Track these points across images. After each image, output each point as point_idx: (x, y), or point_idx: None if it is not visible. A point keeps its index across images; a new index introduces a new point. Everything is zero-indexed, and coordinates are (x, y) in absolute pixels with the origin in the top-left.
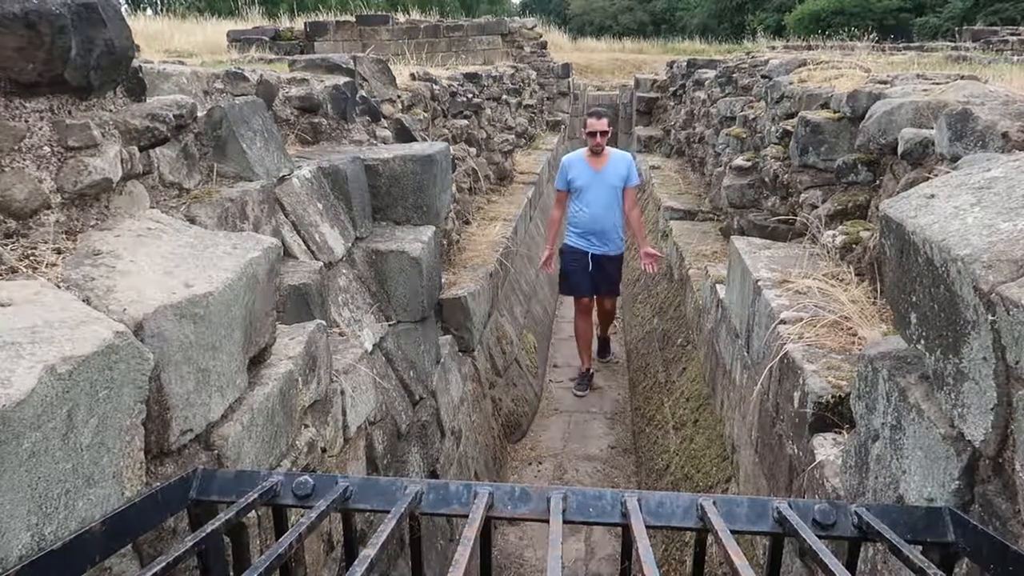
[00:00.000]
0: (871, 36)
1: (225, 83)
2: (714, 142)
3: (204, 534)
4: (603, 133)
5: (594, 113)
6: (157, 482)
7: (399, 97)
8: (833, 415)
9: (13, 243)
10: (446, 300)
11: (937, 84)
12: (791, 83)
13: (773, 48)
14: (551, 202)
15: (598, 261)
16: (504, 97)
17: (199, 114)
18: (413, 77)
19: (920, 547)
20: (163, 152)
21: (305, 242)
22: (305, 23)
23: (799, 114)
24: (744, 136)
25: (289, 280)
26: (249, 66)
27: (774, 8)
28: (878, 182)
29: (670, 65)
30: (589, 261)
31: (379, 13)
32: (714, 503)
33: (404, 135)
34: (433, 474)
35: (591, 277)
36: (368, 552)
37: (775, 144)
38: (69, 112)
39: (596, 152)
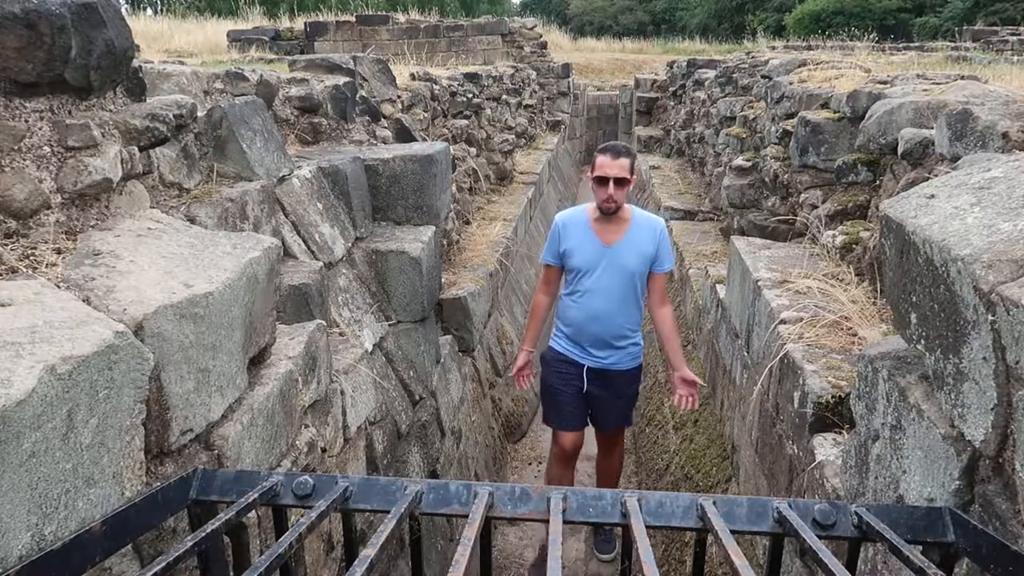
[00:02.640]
0: (871, 36)
1: (225, 83)
2: (714, 142)
3: (204, 534)
4: (621, 182)
5: (609, 149)
6: (157, 482)
7: (399, 97)
8: (833, 415)
9: (13, 243)
10: (446, 300)
11: (937, 84)
12: (791, 83)
13: (773, 48)
14: (551, 202)
15: (599, 378)
16: (504, 97)
17: (199, 114)
18: (413, 77)
19: (920, 547)
20: (163, 152)
21: (305, 242)
22: (305, 23)
23: (799, 114)
24: (744, 136)
25: (289, 280)
26: (249, 66)
27: (774, 8)
28: (878, 182)
29: (670, 65)
30: (584, 379)
31: (379, 13)
32: (714, 503)
33: (404, 135)
34: (433, 474)
35: (584, 402)
36: (368, 552)
37: (775, 144)
38: (69, 112)
39: (607, 212)
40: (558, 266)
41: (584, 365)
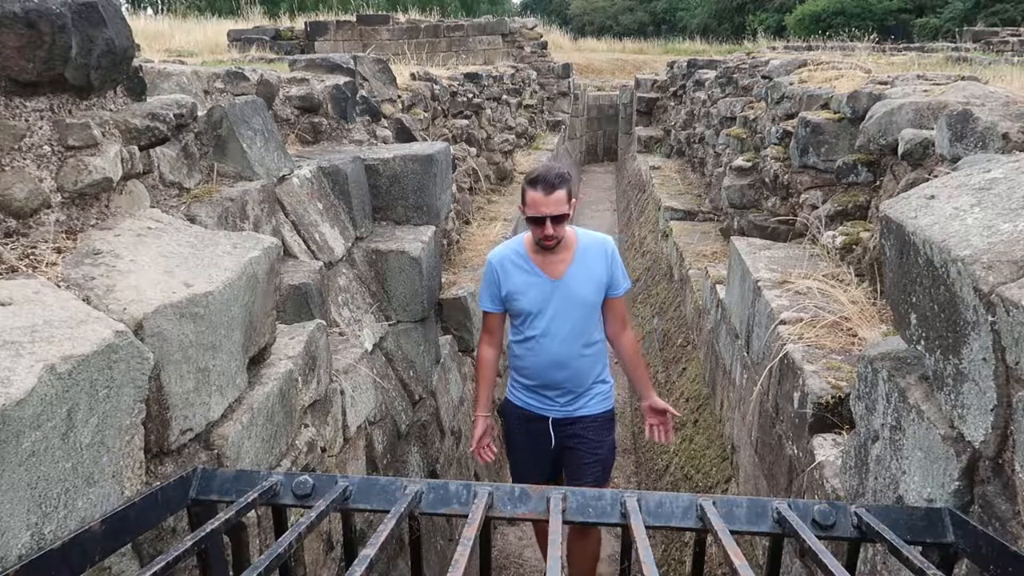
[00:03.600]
0: (871, 37)
1: (225, 82)
2: (714, 142)
3: (204, 534)
4: (559, 219)
5: (540, 181)
6: (157, 482)
7: (399, 97)
8: (833, 416)
9: (13, 242)
10: (446, 300)
11: (937, 85)
12: (791, 84)
13: (773, 48)
14: None
15: (569, 429)
16: (504, 97)
17: (199, 113)
18: (413, 77)
19: (920, 548)
20: (163, 151)
21: (305, 242)
22: (305, 23)
23: (799, 115)
24: (744, 136)
25: (289, 280)
26: (249, 65)
27: (774, 8)
28: (878, 183)
29: (670, 65)
30: (550, 432)
31: (379, 13)
32: (714, 503)
33: (404, 135)
34: (433, 474)
35: (556, 457)
36: (367, 552)
37: (775, 145)
38: (69, 111)
39: (547, 248)
40: (500, 312)
41: (549, 417)
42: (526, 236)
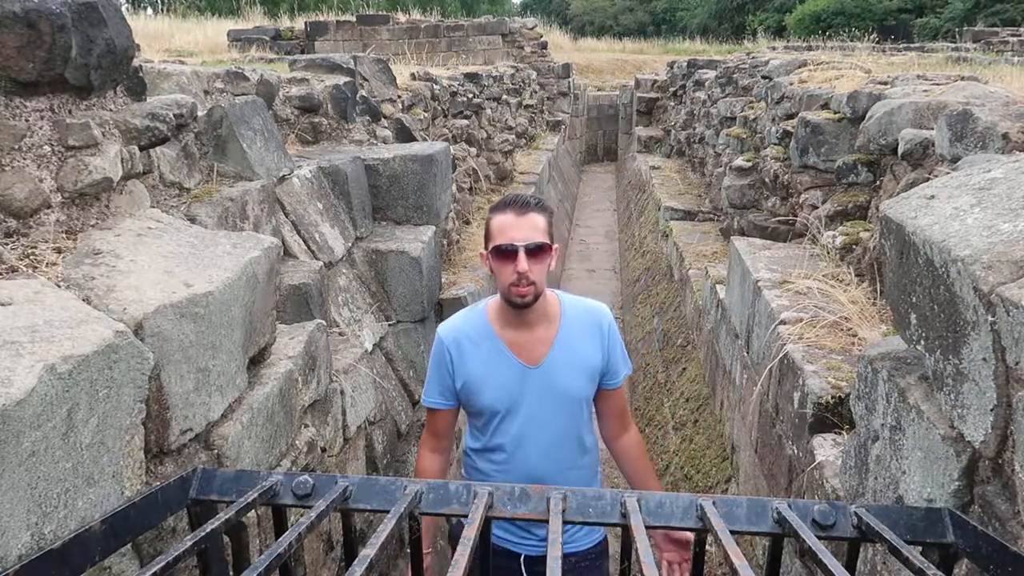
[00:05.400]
0: (871, 37)
1: (225, 83)
2: (714, 142)
3: (204, 533)
4: (536, 253)
5: (510, 203)
6: (157, 481)
7: (399, 97)
8: (833, 416)
9: (13, 242)
10: (446, 300)
11: (937, 85)
12: (791, 84)
13: (773, 48)
14: (552, 202)
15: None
16: (504, 97)
17: (199, 113)
18: (413, 77)
19: (919, 548)
20: (163, 151)
21: (305, 242)
22: (305, 23)
23: (799, 115)
24: (744, 136)
25: (289, 280)
26: (249, 66)
27: (774, 8)
28: (878, 183)
29: (670, 65)
30: (523, 574)
31: (380, 13)
32: (714, 503)
33: (404, 135)
34: None
35: None
36: (367, 552)
37: (775, 145)
38: (69, 111)
39: (521, 305)
40: (452, 408)
41: (520, 554)
42: (489, 304)
